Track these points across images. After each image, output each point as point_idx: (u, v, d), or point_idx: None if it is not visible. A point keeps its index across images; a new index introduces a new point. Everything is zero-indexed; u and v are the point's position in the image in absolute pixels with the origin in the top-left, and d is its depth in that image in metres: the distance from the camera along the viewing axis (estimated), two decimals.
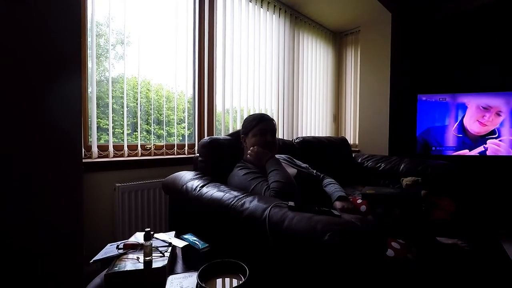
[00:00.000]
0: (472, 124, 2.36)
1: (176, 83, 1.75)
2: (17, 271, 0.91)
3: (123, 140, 1.53)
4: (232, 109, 2.02)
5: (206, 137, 1.35)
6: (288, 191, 0.99)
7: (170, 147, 1.72)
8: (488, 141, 2.32)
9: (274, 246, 0.69)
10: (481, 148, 2.34)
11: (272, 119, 1.27)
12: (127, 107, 1.55)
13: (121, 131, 1.55)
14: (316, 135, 2.81)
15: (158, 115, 1.74)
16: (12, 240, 0.90)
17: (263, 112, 2.23)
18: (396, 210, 1.00)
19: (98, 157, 1.44)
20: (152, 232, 0.77)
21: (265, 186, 1.03)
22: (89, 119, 1.41)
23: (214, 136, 1.36)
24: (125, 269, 0.69)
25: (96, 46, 1.42)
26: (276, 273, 0.72)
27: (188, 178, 1.20)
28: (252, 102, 2.17)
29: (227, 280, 0.65)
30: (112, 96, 1.50)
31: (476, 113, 2.36)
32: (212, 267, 0.66)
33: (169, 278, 0.71)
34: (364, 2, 2.42)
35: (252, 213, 0.78)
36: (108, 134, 1.48)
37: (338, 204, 1.10)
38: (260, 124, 1.21)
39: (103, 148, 1.46)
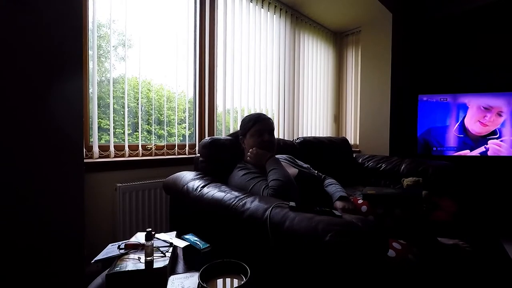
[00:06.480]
0: (473, 125, 2.36)
1: (176, 83, 1.75)
2: (18, 271, 0.91)
3: (124, 140, 1.53)
4: (233, 109, 2.02)
5: (207, 137, 1.35)
6: (287, 189, 0.98)
7: (171, 147, 1.72)
8: (489, 141, 2.31)
9: (275, 246, 0.69)
10: (482, 149, 2.33)
11: (269, 118, 1.26)
12: (127, 107, 1.55)
13: (122, 131, 1.55)
14: (317, 135, 2.81)
15: (159, 115, 1.74)
16: (13, 240, 0.90)
17: (263, 112, 2.23)
18: (397, 210, 1.00)
19: (99, 157, 1.44)
20: (153, 232, 0.77)
21: (263, 185, 1.02)
22: (90, 119, 1.41)
23: (215, 136, 1.36)
24: (126, 269, 0.69)
25: (97, 47, 1.42)
26: (277, 274, 0.72)
27: (189, 178, 1.20)
28: (253, 102, 2.17)
29: (228, 280, 0.65)
30: (113, 96, 1.50)
31: (477, 114, 2.35)
32: (213, 267, 0.66)
33: (170, 278, 0.71)
34: (365, 2, 2.42)
35: (253, 214, 0.78)
36: (109, 134, 1.49)
37: (339, 204, 1.10)
38: (256, 125, 1.21)
39: (104, 148, 1.47)
